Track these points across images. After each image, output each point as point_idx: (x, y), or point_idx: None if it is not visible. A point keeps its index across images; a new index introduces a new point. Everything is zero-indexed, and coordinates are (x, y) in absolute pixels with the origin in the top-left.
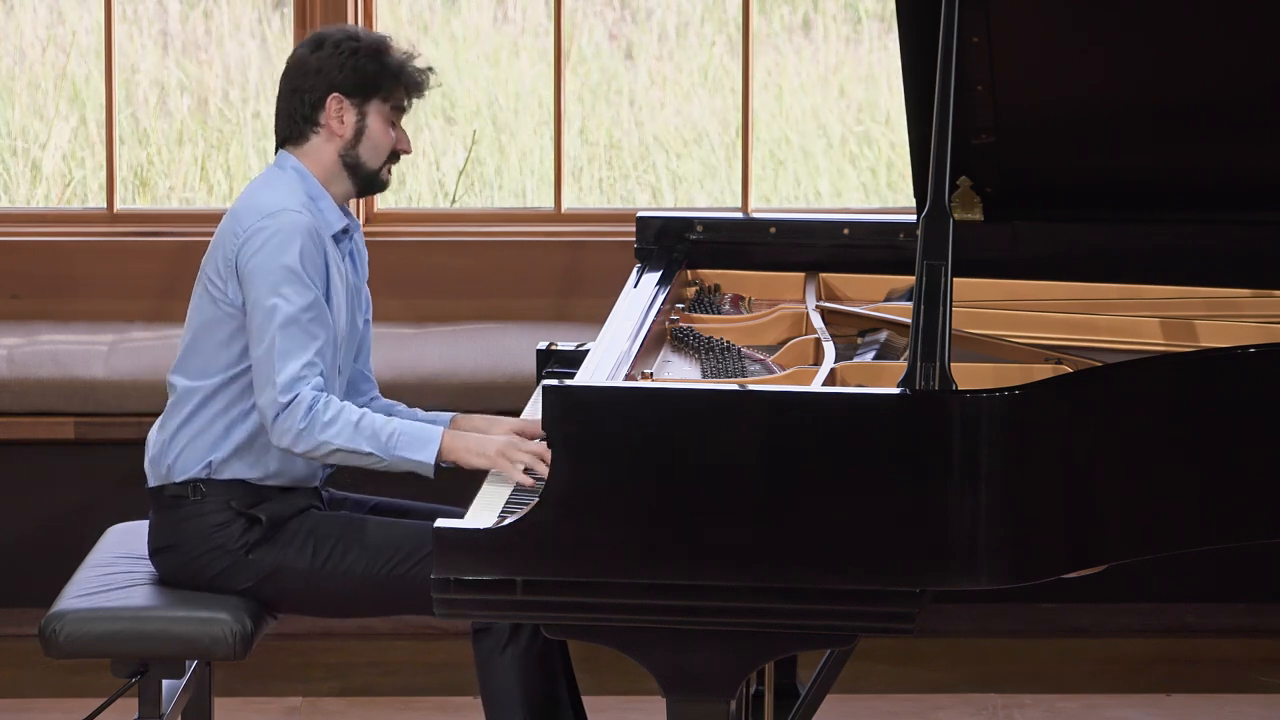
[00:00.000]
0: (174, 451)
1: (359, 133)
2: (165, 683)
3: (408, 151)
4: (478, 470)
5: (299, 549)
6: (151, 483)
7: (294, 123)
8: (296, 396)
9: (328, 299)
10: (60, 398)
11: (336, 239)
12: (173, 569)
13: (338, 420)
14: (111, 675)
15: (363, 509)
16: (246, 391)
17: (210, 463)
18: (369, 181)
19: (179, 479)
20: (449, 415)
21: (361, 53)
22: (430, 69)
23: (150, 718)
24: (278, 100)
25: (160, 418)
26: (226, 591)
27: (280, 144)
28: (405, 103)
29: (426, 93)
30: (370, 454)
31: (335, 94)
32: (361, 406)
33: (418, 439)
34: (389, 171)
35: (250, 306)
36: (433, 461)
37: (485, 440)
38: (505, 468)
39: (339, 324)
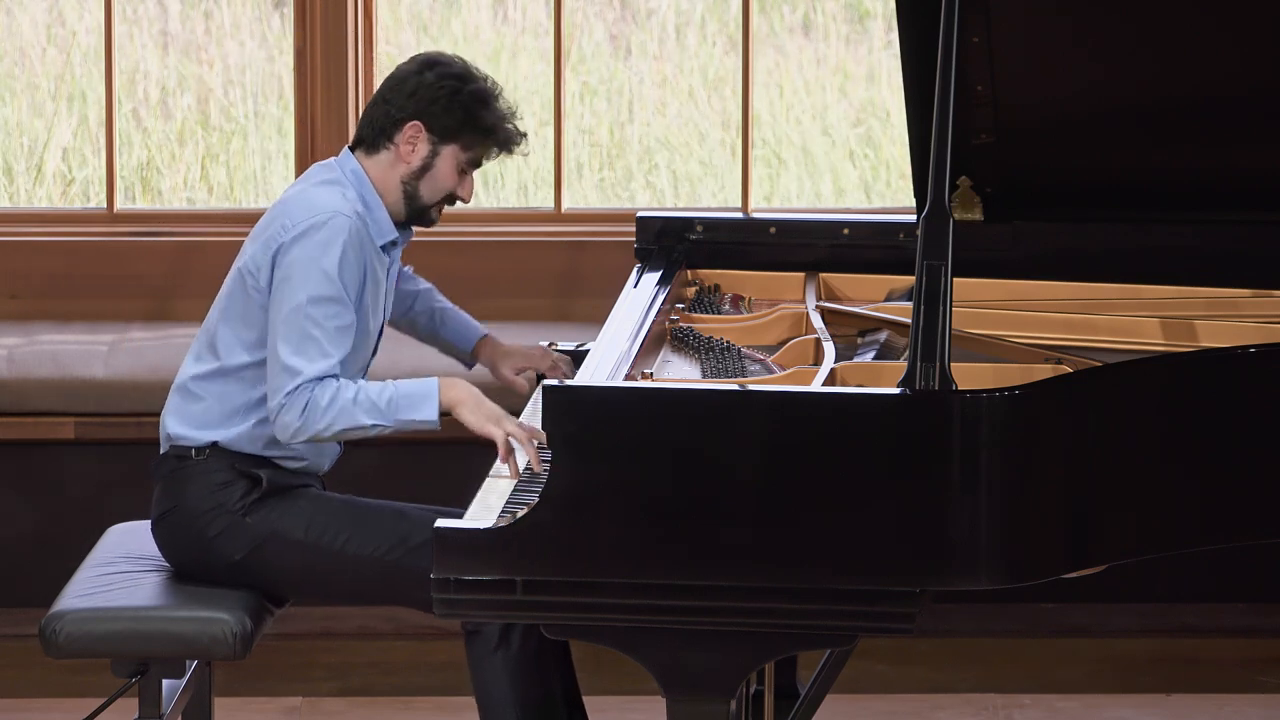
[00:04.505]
0: (188, 415)
1: (425, 168)
2: (165, 683)
3: (465, 200)
4: (478, 437)
5: (295, 519)
6: (164, 449)
7: (372, 130)
8: (296, 392)
9: (359, 303)
10: (60, 398)
11: (385, 248)
12: (172, 537)
13: (335, 404)
14: (111, 675)
15: None
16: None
17: (216, 442)
18: (419, 214)
19: (186, 444)
20: (482, 331)
21: (461, 95)
22: (524, 135)
23: (150, 718)
24: (369, 102)
25: (175, 387)
26: (222, 559)
27: (355, 145)
28: (484, 159)
29: (515, 152)
30: (374, 424)
31: (416, 122)
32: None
33: (416, 396)
34: (439, 210)
35: (278, 299)
36: (435, 417)
37: (489, 403)
38: (495, 435)
39: (368, 325)
